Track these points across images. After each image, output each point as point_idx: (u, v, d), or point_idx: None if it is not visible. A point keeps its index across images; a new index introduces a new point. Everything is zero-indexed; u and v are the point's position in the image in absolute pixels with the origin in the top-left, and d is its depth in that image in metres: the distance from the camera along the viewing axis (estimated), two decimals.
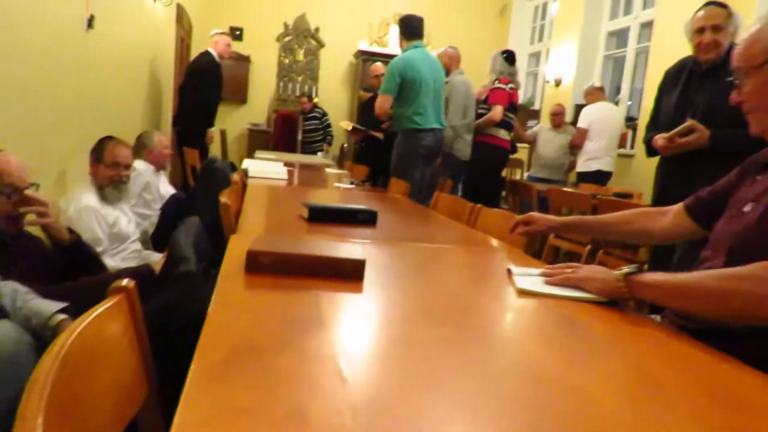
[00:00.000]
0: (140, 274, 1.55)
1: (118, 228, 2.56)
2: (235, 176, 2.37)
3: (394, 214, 2.25)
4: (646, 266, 2.96)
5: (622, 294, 1.02)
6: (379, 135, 4.37)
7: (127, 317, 0.71)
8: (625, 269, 1.04)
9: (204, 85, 4.83)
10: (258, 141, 7.25)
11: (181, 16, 5.53)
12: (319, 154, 6.66)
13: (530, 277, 1.18)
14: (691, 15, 2.32)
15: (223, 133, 7.01)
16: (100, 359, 0.62)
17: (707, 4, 2.29)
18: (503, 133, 4.33)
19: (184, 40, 5.97)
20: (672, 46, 4.73)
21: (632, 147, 5.22)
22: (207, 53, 4.95)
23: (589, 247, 3.78)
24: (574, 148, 4.99)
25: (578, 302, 1.06)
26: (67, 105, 2.81)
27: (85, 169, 2.64)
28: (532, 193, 4.19)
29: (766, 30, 1.04)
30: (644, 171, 4.84)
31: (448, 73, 4.14)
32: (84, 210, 2.42)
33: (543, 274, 1.18)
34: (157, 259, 2.56)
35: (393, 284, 1.14)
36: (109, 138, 2.68)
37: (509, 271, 1.23)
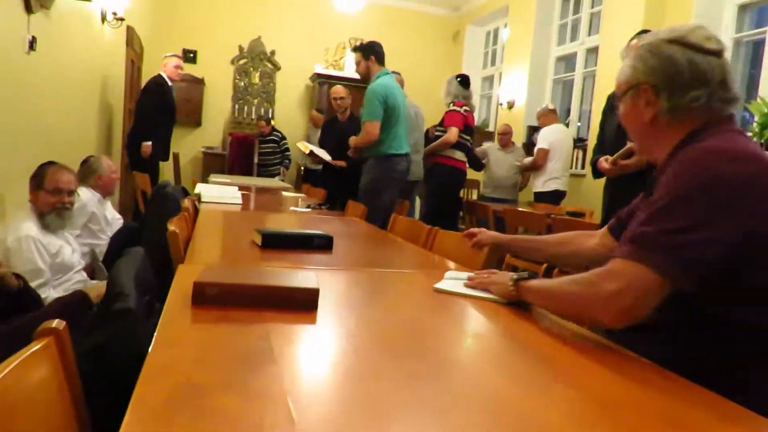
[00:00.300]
0: (73, 302, 1.46)
1: (61, 258, 2.44)
2: (186, 202, 2.29)
3: (351, 238, 2.22)
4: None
5: (514, 297, 1.14)
6: (342, 163, 4.34)
7: (56, 361, 0.65)
8: (515, 275, 1.15)
9: (153, 108, 4.73)
10: (213, 165, 7.11)
11: (131, 38, 5.41)
12: (277, 177, 6.59)
13: (456, 280, 1.33)
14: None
15: (176, 157, 6.83)
16: (21, 412, 0.57)
17: (641, 32, 2.42)
18: (459, 155, 4.39)
19: (134, 63, 5.84)
20: (616, 70, 4.93)
21: (583, 167, 5.39)
22: (158, 76, 4.87)
23: (545, 265, 3.85)
24: (536, 169, 5.07)
25: (488, 302, 1.19)
26: (8, 130, 2.68)
27: (26, 197, 2.51)
28: (488, 213, 4.25)
29: (627, 64, 1.12)
30: (594, 190, 5.00)
31: None
32: (23, 239, 2.30)
33: (468, 278, 1.32)
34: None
35: (348, 313, 1.11)
36: (51, 163, 2.56)
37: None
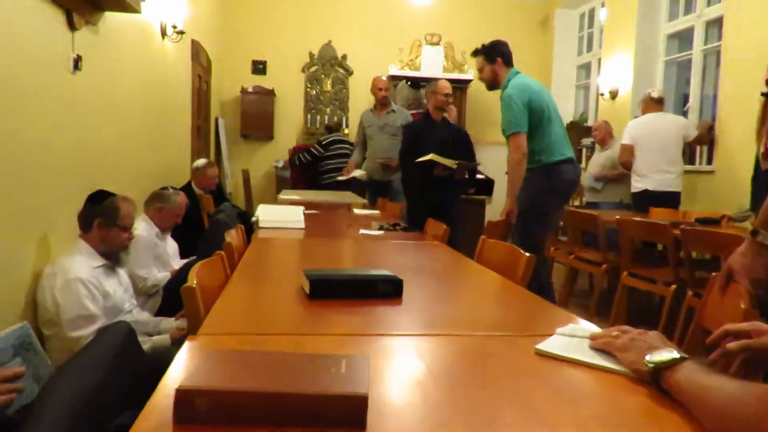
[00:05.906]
0: None
1: (112, 301, 2.18)
2: (232, 235, 1.88)
3: (428, 276, 1.68)
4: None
5: (645, 380, 0.82)
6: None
7: None
8: (654, 361, 0.80)
9: None
10: (286, 180, 6.80)
11: (197, 52, 5.23)
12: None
13: (569, 337, 1.00)
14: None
15: (245, 174, 6.59)
16: None
17: None
18: None
19: (202, 78, 5.68)
20: (746, 45, 4.07)
21: (709, 162, 4.51)
22: None
23: (673, 287, 3.10)
24: (623, 167, 4.45)
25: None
26: (51, 159, 2.42)
27: (73, 233, 2.24)
28: (597, 225, 3.55)
29: None
30: (727, 189, 4.14)
31: None
32: (73, 282, 2.04)
33: (590, 337, 0.99)
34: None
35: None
36: (115, 195, 2.29)
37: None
